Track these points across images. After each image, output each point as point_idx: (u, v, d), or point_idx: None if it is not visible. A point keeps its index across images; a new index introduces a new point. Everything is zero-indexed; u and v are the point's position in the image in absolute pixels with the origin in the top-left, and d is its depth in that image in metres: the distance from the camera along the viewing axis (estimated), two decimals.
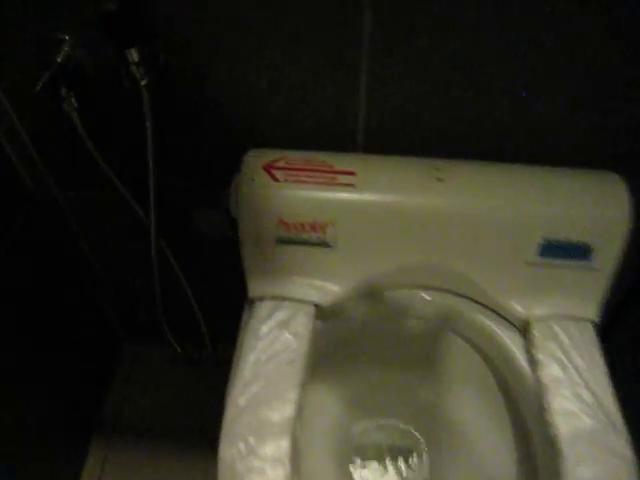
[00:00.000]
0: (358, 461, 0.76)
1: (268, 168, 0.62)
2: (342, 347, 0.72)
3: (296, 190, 0.60)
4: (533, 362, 0.60)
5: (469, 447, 0.73)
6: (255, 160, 0.62)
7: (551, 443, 0.54)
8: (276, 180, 0.61)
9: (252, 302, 0.64)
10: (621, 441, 0.53)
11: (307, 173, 0.61)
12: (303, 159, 0.62)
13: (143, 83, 0.59)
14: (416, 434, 0.77)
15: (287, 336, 0.60)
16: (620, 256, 0.60)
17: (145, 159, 0.66)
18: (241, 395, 0.56)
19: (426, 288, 0.67)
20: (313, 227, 0.61)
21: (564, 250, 0.60)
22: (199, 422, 0.99)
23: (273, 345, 0.60)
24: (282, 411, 0.55)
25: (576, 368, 0.58)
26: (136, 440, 1.00)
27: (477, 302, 0.67)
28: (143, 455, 0.99)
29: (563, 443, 0.53)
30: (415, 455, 0.76)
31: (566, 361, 0.59)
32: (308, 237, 0.62)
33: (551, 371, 0.58)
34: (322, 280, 0.64)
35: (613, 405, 0.55)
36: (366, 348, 0.75)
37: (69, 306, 0.93)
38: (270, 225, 0.61)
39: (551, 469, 0.54)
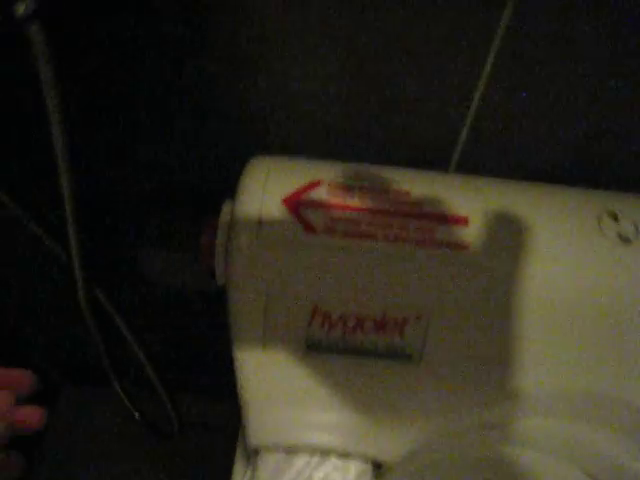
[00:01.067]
0: None
1: (293, 203, 0.30)
2: None
3: (350, 253, 0.30)
4: None
5: None
6: (266, 181, 0.31)
7: None
8: (310, 230, 0.30)
9: (255, 453, 0.34)
10: None
11: (373, 217, 0.30)
12: (362, 186, 0.31)
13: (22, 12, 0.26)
14: None
15: None
16: None
17: (51, 155, 0.34)
18: None
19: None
20: (380, 324, 0.31)
21: None
22: None
23: None
24: None
25: None
26: None
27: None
28: None
29: None
30: None
31: None
32: (369, 342, 0.32)
33: None
34: (391, 420, 0.34)
35: None
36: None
37: None
38: (297, 317, 0.31)
39: None
